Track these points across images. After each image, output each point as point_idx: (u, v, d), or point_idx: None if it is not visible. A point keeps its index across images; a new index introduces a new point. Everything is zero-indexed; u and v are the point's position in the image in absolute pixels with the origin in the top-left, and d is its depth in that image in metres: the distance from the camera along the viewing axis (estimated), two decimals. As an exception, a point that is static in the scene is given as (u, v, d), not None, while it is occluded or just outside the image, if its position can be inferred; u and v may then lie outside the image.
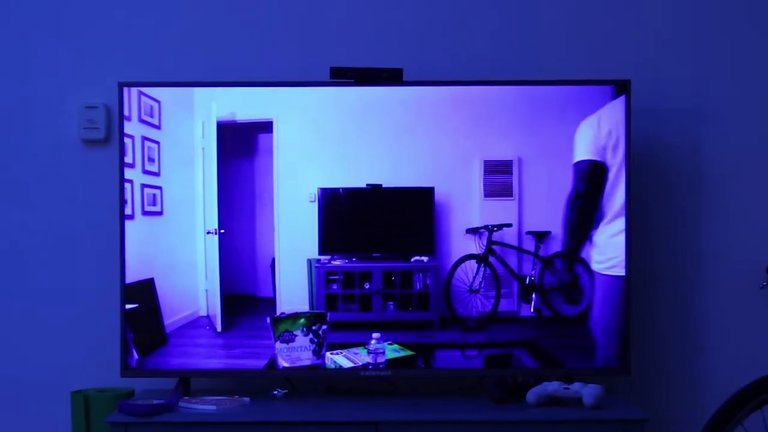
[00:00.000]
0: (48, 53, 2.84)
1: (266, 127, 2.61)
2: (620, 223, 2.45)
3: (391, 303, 2.63)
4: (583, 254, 2.58)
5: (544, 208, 2.61)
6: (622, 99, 2.50)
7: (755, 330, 2.77)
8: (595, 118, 2.53)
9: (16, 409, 2.79)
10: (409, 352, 2.59)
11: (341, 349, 2.58)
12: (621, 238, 2.46)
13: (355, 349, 2.58)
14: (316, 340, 2.57)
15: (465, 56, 2.77)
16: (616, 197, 2.47)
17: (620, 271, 2.47)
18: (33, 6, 2.87)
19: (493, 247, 2.57)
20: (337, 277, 2.62)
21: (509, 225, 2.59)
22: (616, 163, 2.46)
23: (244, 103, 2.62)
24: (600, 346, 2.50)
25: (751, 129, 2.80)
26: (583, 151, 2.52)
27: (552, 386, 2.41)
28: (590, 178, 2.45)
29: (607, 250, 2.50)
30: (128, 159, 2.56)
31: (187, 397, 2.48)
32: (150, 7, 2.82)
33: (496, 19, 2.81)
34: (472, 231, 2.60)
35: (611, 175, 2.48)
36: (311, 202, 2.59)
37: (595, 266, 2.53)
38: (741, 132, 2.80)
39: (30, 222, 2.82)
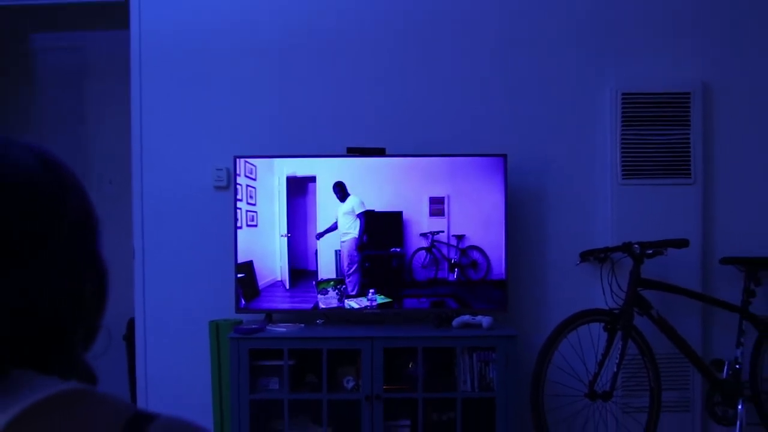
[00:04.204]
0: (197, 139, 3.18)
1: (313, 179, 2.96)
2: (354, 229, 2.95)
3: (380, 273, 2.97)
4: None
5: (461, 222, 2.97)
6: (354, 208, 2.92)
7: (573, 288, 3.16)
8: (357, 199, 2.94)
9: (182, 332, 3.14)
10: (389, 299, 2.97)
11: (353, 298, 2.97)
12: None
13: (360, 298, 2.98)
14: (339, 293, 2.97)
15: (419, 140, 3.13)
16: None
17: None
18: (185, 107, 3.18)
19: (435, 243, 2.97)
20: (350, 259, 2.99)
21: (442, 231, 2.96)
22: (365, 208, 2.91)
23: (301, 166, 2.97)
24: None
25: (569, 177, 3.17)
26: (362, 208, 2.91)
27: (466, 318, 2.89)
28: (364, 218, 2.91)
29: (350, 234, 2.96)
30: (239, 197, 2.95)
31: (270, 324, 2.94)
32: (248, 116, 3.17)
33: (435, 117, 3.16)
34: (423, 234, 2.96)
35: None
36: (336, 219, 2.97)
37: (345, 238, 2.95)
38: (565, 178, 3.17)
39: (187, 231, 3.19)
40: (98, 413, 0.60)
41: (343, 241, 3.00)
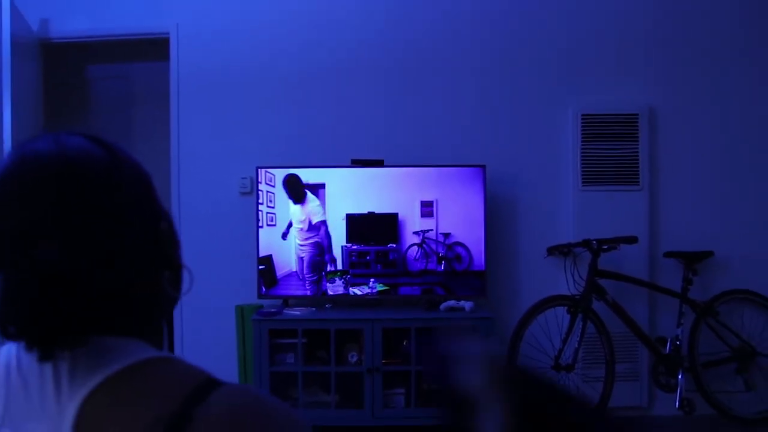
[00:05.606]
0: (225, 153, 3.26)
1: (322, 186, 3.10)
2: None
3: (379, 265, 3.11)
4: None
5: (448, 222, 3.10)
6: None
7: (541, 277, 3.25)
8: (316, 203, 2.99)
9: (212, 314, 3.21)
10: (387, 287, 3.11)
11: (357, 286, 3.11)
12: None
13: (362, 286, 3.12)
14: (345, 282, 3.11)
15: (412, 153, 3.25)
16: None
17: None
18: (215, 127, 3.27)
19: (425, 239, 3.09)
20: (354, 253, 3.10)
21: (432, 230, 3.10)
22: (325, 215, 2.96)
23: (312, 175, 3.11)
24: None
25: (538, 184, 3.31)
26: (321, 216, 2.99)
27: (451, 303, 3.04)
28: (325, 225, 2.99)
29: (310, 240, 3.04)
30: (261, 201, 3.08)
31: (286, 308, 3.10)
32: (269, 133, 3.30)
33: (426, 134, 3.29)
34: (415, 232, 3.09)
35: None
36: (342, 219, 3.11)
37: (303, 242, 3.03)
38: (534, 185, 3.32)
39: (217, 230, 3.30)
40: (173, 377, 0.62)
41: (302, 246, 3.04)
